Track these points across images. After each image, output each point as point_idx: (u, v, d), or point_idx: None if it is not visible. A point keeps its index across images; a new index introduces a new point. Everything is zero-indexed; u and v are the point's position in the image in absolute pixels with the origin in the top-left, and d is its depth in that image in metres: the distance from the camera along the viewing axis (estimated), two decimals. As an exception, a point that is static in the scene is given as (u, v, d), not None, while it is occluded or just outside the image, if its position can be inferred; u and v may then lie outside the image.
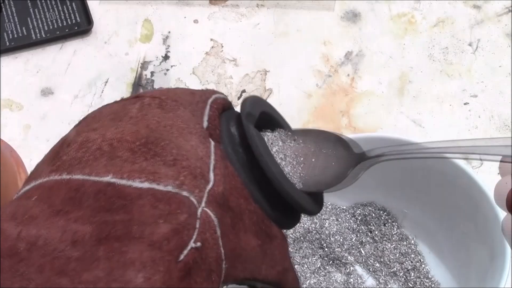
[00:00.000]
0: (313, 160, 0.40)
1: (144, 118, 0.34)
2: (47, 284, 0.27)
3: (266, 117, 0.41)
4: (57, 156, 0.33)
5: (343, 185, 0.39)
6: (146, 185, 0.30)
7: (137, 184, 0.30)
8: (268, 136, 0.39)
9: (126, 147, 0.32)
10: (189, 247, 0.29)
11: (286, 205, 0.37)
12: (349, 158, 0.40)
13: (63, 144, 0.34)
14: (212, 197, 0.32)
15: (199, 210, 0.31)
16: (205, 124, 0.36)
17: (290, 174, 0.38)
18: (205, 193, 0.32)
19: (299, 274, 0.56)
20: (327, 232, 0.58)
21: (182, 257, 0.29)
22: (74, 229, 0.28)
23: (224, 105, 0.39)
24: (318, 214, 0.58)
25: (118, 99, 0.72)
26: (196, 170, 0.32)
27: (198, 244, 0.30)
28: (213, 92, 0.39)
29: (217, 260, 0.31)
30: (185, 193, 0.31)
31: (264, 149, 0.36)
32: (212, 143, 0.35)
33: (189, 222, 0.30)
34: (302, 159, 0.39)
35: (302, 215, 0.41)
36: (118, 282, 0.27)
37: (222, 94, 0.40)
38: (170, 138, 0.33)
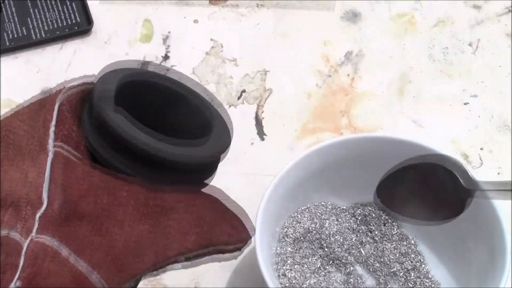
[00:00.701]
0: None
1: None
2: None
3: (136, 84, 0.40)
4: None
5: None
6: None
7: None
8: None
9: None
10: None
11: (176, 164, 0.37)
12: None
13: None
14: (46, 220, 0.31)
15: (26, 243, 0.30)
16: (52, 130, 0.35)
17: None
18: (35, 220, 0.30)
19: (299, 274, 0.56)
20: (327, 232, 0.58)
21: None
22: None
23: (83, 94, 0.38)
24: (318, 214, 0.58)
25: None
26: (22, 201, 0.31)
27: (18, 283, 0.28)
28: (62, 87, 0.38)
29: (76, 278, 0.30)
30: (3, 232, 0.30)
31: (125, 125, 0.36)
32: (50, 155, 0.33)
33: (7, 262, 0.29)
34: None
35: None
36: None
37: (78, 79, 0.38)
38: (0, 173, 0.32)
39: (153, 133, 0.37)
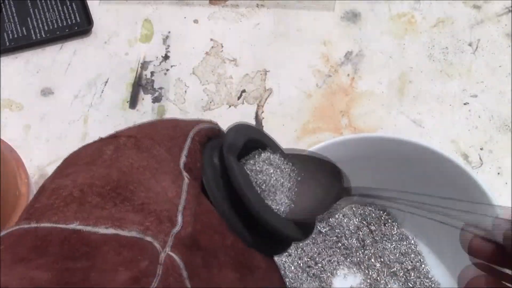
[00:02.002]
0: (303, 187, 0.40)
1: (117, 161, 0.34)
2: None
3: (255, 143, 0.41)
4: (31, 204, 0.34)
5: (322, 216, 0.40)
6: (111, 231, 0.30)
7: (102, 230, 0.30)
8: (257, 159, 0.39)
9: (96, 192, 0.32)
10: None
11: (270, 233, 0.37)
12: (337, 191, 0.41)
13: (39, 191, 0.35)
14: (178, 240, 0.32)
15: (162, 255, 0.31)
16: (183, 159, 0.36)
17: (278, 200, 0.38)
18: (170, 237, 0.32)
19: (299, 274, 0.56)
20: (327, 232, 0.58)
21: None
22: (32, 276, 0.28)
23: (209, 135, 0.39)
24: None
25: (118, 99, 0.72)
26: (163, 214, 0.32)
27: None
28: (197, 122, 0.39)
29: None
30: (148, 239, 0.31)
31: (244, 181, 0.36)
32: (186, 181, 0.35)
33: (150, 269, 0.30)
34: (291, 185, 0.39)
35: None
36: None
37: (209, 122, 0.40)
38: (141, 181, 0.33)
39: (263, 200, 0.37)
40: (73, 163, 0.36)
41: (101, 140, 0.37)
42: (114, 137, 0.37)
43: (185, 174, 0.35)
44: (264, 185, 0.38)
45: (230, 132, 0.39)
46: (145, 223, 0.31)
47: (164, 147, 0.36)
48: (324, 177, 0.42)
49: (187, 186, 0.34)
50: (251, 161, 0.39)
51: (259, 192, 0.38)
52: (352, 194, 0.40)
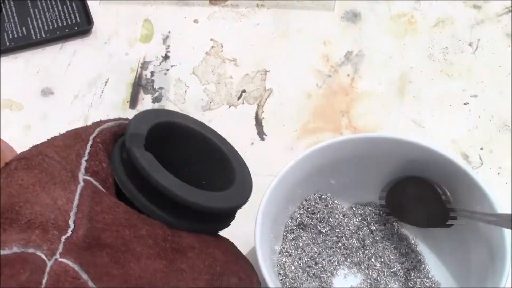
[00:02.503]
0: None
1: (8, 186, 0.35)
2: None
3: (171, 127, 0.41)
4: None
5: None
6: None
7: None
8: None
9: None
10: None
11: (192, 209, 0.37)
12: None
13: None
14: (70, 244, 0.32)
15: (50, 263, 0.31)
16: (83, 164, 0.37)
17: None
18: (60, 243, 0.32)
19: (299, 274, 0.56)
20: (327, 232, 0.58)
21: None
22: None
23: (115, 132, 0.39)
24: (318, 215, 0.58)
25: (118, 99, 0.72)
26: (49, 224, 0.33)
27: None
28: (98, 124, 0.40)
29: None
30: (30, 250, 0.31)
31: (151, 167, 0.37)
32: (80, 185, 0.35)
33: (31, 279, 0.30)
34: None
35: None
36: None
37: (113, 120, 0.40)
38: (29, 199, 0.34)
39: (175, 178, 0.38)
40: None
41: None
42: (6, 164, 0.38)
43: (84, 177, 0.36)
44: None
45: (131, 123, 0.39)
46: (31, 238, 0.32)
47: (57, 158, 0.37)
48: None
49: (81, 190, 0.35)
50: None
51: None
52: None
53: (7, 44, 0.73)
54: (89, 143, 0.38)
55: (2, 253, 0.31)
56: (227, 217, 0.42)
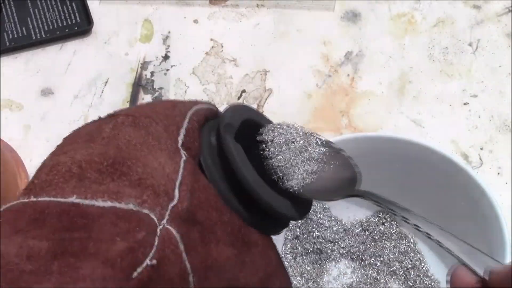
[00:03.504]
0: (323, 168, 0.40)
1: (115, 138, 0.35)
2: None
3: (254, 126, 0.41)
4: (31, 180, 0.34)
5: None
6: (108, 204, 0.31)
7: (100, 203, 0.31)
8: (282, 126, 0.39)
9: (94, 168, 0.33)
10: (144, 265, 0.30)
11: (266, 211, 0.38)
12: (348, 184, 0.41)
13: (39, 168, 0.36)
14: (175, 213, 0.32)
15: (159, 228, 0.31)
16: (181, 137, 0.37)
17: (296, 170, 0.38)
18: (167, 210, 0.32)
19: (299, 273, 0.56)
20: (327, 232, 0.58)
21: (135, 274, 0.29)
22: (30, 245, 0.29)
23: (207, 115, 0.39)
24: (319, 215, 0.58)
25: (118, 99, 0.72)
26: (160, 188, 0.33)
27: (154, 261, 0.30)
28: (195, 103, 0.40)
29: (181, 275, 0.32)
30: (145, 211, 0.31)
31: (239, 157, 0.37)
32: (183, 157, 0.35)
33: (147, 240, 0.31)
34: (313, 159, 0.39)
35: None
36: None
37: (206, 103, 0.40)
38: (138, 157, 0.34)
39: (258, 177, 0.38)
40: (72, 141, 0.36)
41: (100, 119, 0.38)
42: (112, 116, 0.37)
43: (182, 151, 0.36)
44: (285, 146, 0.38)
45: (227, 112, 0.39)
46: (142, 197, 0.32)
47: (162, 125, 0.37)
48: (341, 168, 0.42)
49: (184, 163, 0.35)
50: (269, 128, 0.39)
51: (278, 158, 0.38)
52: (363, 196, 0.41)
53: (7, 44, 0.73)
54: (187, 119, 0.38)
55: (119, 206, 0.31)
56: (284, 223, 0.42)
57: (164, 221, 0.32)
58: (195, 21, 0.76)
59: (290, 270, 0.56)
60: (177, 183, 0.34)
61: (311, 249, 0.57)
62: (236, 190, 0.37)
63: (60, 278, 0.28)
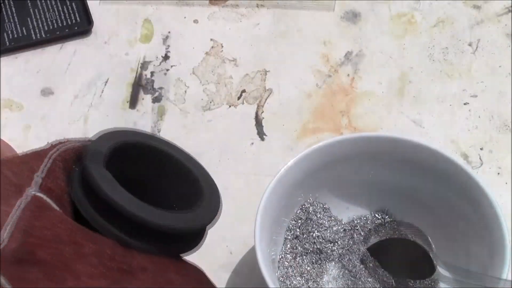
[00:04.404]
0: None
1: None
2: None
3: (135, 146, 0.41)
4: None
5: None
6: None
7: None
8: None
9: None
10: None
11: (157, 231, 0.37)
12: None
13: None
14: (1, 257, 0.32)
15: None
16: (35, 179, 0.37)
17: None
18: None
19: (299, 273, 0.56)
20: (326, 232, 0.58)
21: None
22: None
23: (80, 152, 0.39)
24: (319, 215, 0.58)
25: (118, 99, 0.72)
26: None
27: None
28: (61, 143, 0.40)
29: None
30: None
31: (103, 179, 0.37)
32: (23, 199, 0.35)
33: None
34: None
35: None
36: None
37: (79, 140, 0.40)
38: None
39: (132, 197, 0.37)
40: None
41: None
42: None
43: (34, 194, 0.36)
44: None
45: (93, 141, 0.39)
46: None
47: (12, 172, 0.37)
48: None
49: (25, 203, 0.35)
50: None
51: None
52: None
53: (7, 44, 0.73)
54: (46, 160, 0.38)
55: None
56: (192, 239, 0.41)
57: None
58: (195, 21, 0.76)
59: (290, 270, 0.56)
60: (9, 226, 0.33)
61: (311, 249, 0.57)
62: (112, 217, 0.37)
63: None
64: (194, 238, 0.41)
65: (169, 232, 0.38)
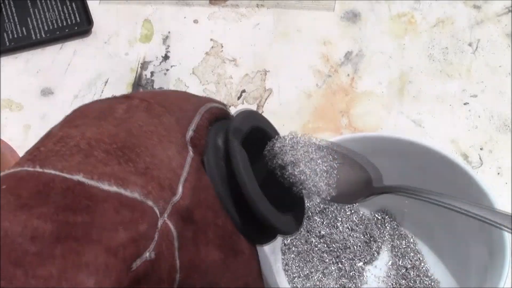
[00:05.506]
0: (339, 173, 0.40)
1: (127, 121, 0.35)
2: (1, 272, 0.27)
3: (261, 134, 0.41)
4: (36, 146, 0.34)
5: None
6: (114, 188, 0.31)
7: (105, 186, 0.31)
8: (299, 139, 0.39)
9: (102, 148, 0.32)
10: (143, 258, 0.30)
11: (260, 222, 0.37)
12: (365, 185, 0.42)
13: (46, 135, 0.35)
14: (175, 209, 0.32)
15: (160, 222, 0.31)
16: (190, 133, 0.36)
17: (315, 183, 0.38)
18: (169, 205, 0.32)
19: (301, 272, 0.56)
20: (325, 232, 0.58)
21: (135, 266, 0.29)
22: (35, 225, 0.29)
23: (218, 115, 0.39)
24: (319, 215, 0.58)
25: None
26: (165, 182, 0.32)
27: (153, 255, 0.30)
28: (209, 100, 0.39)
29: (170, 271, 0.32)
30: (150, 203, 0.31)
31: (244, 165, 0.37)
32: (190, 154, 0.35)
33: (148, 233, 0.30)
34: (327, 168, 0.39)
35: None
36: (69, 282, 0.27)
37: (219, 103, 0.40)
38: (147, 145, 0.33)
39: (258, 187, 0.38)
40: (83, 115, 0.36)
41: (114, 98, 0.37)
42: (127, 97, 0.37)
43: (190, 147, 0.35)
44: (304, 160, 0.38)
45: (238, 117, 0.39)
46: (147, 187, 0.31)
47: (173, 117, 0.36)
48: (354, 171, 0.43)
49: (190, 159, 0.34)
50: (277, 143, 0.39)
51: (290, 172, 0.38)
52: (389, 191, 0.41)
53: (7, 44, 0.73)
54: (198, 115, 0.37)
55: (124, 193, 0.31)
56: (272, 236, 0.41)
57: (165, 216, 0.31)
58: (195, 21, 0.76)
59: (290, 270, 0.56)
60: (182, 179, 0.33)
61: (310, 249, 0.57)
62: (234, 196, 0.37)
63: (63, 262, 0.28)
64: (275, 236, 0.41)
65: (275, 231, 0.39)
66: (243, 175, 0.36)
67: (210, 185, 0.36)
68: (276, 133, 0.43)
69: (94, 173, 0.31)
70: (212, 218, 0.35)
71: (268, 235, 0.40)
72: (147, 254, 0.30)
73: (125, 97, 0.37)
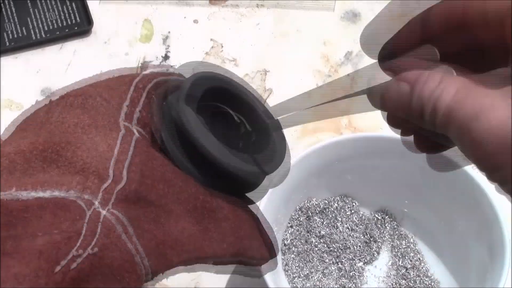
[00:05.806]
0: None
1: (47, 122, 0.34)
2: None
3: (225, 94, 0.41)
4: None
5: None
6: (32, 195, 0.30)
7: (24, 196, 0.30)
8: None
9: (23, 158, 0.32)
10: (69, 256, 0.29)
11: (229, 174, 0.37)
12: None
13: None
14: (122, 196, 0.31)
15: (103, 213, 0.30)
16: (124, 110, 0.35)
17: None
18: (113, 194, 0.31)
19: (300, 272, 0.56)
20: (324, 232, 0.58)
21: (58, 268, 0.28)
22: None
23: (169, 87, 0.37)
24: (318, 215, 0.58)
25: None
26: (90, 170, 0.31)
27: (96, 249, 0.29)
28: (144, 67, 0.38)
29: (129, 259, 0.31)
30: (72, 198, 0.30)
31: (199, 129, 0.36)
32: (122, 133, 0.34)
33: (73, 230, 0.29)
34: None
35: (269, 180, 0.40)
36: None
37: (160, 67, 0.38)
38: (69, 139, 0.33)
39: (215, 140, 0.37)
40: (11, 130, 0.36)
41: (50, 102, 0.37)
42: (62, 98, 0.36)
43: (133, 128, 0.34)
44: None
45: (187, 82, 0.38)
46: (71, 182, 0.31)
47: (103, 100, 0.35)
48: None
49: (135, 139, 0.34)
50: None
51: None
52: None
53: (7, 44, 0.73)
54: (132, 88, 0.36)
55: (42, 195, 0.30)
56: (253, 183, 0.41)
57: (96, 205, 0.30)
58: (195, 21, 0.76)
59: (290, 270, 0.56)
60: (126, 163, 0.32)
61: (310, 249, 0.57)
62: (197, 161, 0.36)
63: None
64: (254, 183, 0.41)
65: (241, 175, 0.38)
66: (196, 136, 0.36)
67: (166, 161, 0.35)
68: (241, 87, 0.42)
69: (11, 186, 0.30)
70: (176, 193, 0.34)
71: (240, 182, 0.40)
72: (74, 252, 0.29)
73: (61, 97, 0.37)
